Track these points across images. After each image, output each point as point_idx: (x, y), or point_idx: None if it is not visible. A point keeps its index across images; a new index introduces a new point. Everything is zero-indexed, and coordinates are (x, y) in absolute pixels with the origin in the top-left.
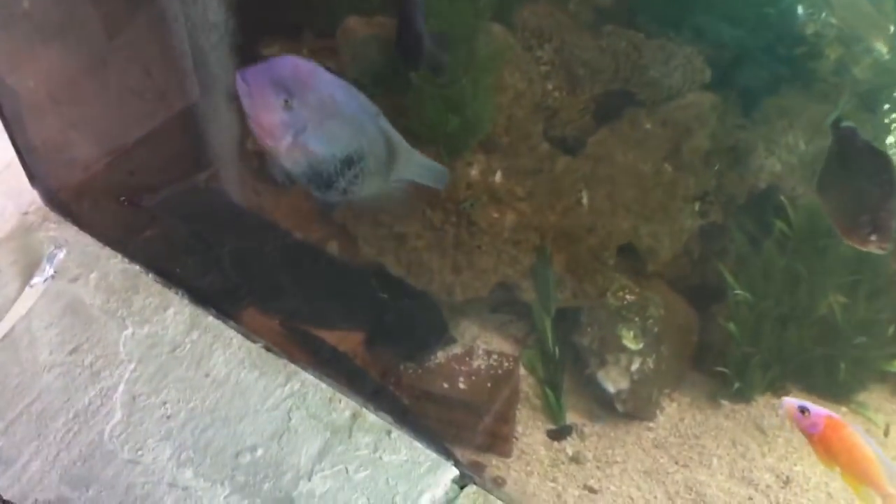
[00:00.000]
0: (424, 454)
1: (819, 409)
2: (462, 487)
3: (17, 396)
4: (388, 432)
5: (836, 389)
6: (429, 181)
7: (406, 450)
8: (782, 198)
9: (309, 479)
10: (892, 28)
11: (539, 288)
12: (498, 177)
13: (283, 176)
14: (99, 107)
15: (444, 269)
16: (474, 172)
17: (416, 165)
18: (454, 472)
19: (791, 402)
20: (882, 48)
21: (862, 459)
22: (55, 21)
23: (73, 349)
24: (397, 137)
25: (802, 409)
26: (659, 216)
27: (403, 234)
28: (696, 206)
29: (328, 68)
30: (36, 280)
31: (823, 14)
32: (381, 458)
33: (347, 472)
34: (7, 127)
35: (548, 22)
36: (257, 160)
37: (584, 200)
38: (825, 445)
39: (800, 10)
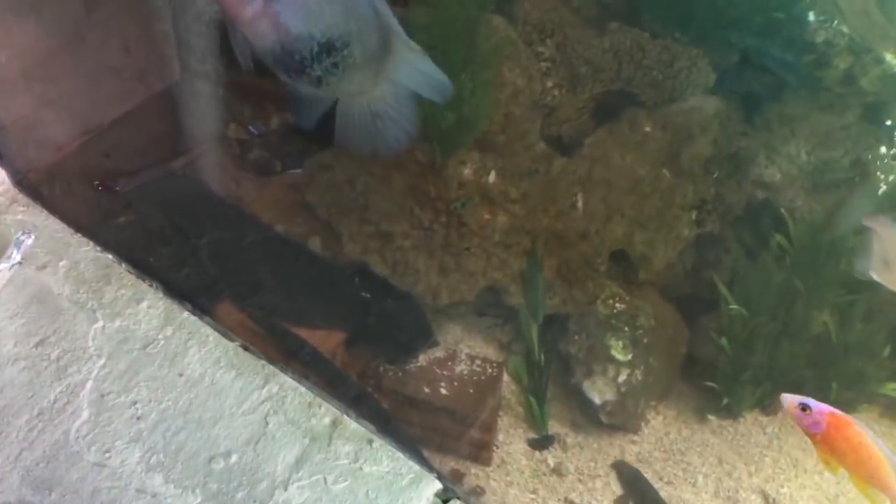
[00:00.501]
0: (407, 465)
1: (822, 406)
2: (445, 502)
3: None
4: (370, 441)
5: None
6: (427, 92)
7: (388, 460)
8: (783, 210)
9: (285, 489)
10: None
11: (528, 293)
12: (492, 177)
13: (245, 53)
14: (74, 84)
15: (431, 271)
16: (467, 171)
17: (414, 69)
18: (437, 485)
19: (791, 398)
20: (892, 60)
21: (869, 460)
22: None
23: (38, 342)
24: (398, 29)
25: (803, 407)
26: (654, 223)
27: (390, 233)
28: (693, 215)
29: None
30: (1, 266)
31: (835, 22)
32: (361, 468)
33: (326, 482)
34: None
35: (551, 16)
36: (238, 147)
37: (579, 204)
38: (829, 445)
39: (811, 16)
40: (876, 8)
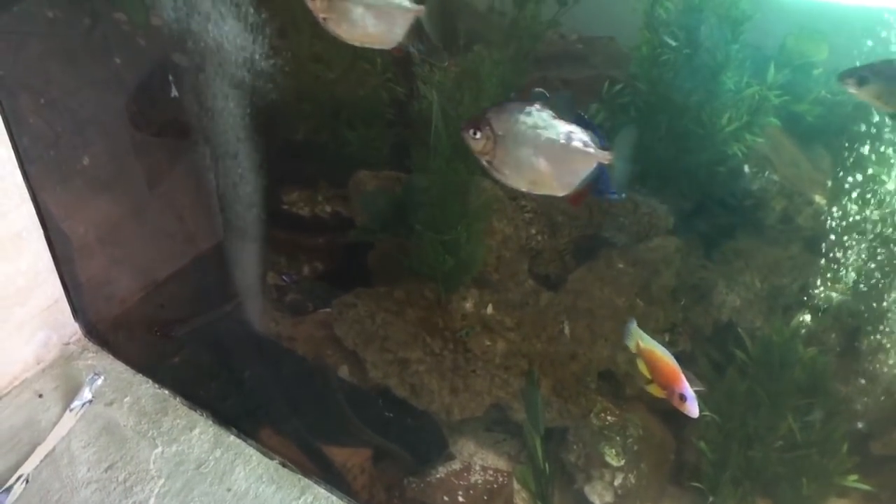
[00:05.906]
0: None
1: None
2: None
3: None
4: None
5: (801, 503)
6: None
7: None
8: (740, 330)
9: None
10: (829, 183)
11: (528, 408)
12: (489, 309)
13: None
14: (137, 247)
15: (444, 391)
16: (468, 305)
17: None
18: None
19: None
20: (821, 200)
21: (666, 368)
22: (107, 174)
23: (108, 467)
24: None
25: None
26: None
27: (407, 359)
28: (667, 337)
29: None
30: (76, 404)
31: (767, 172)
32: None
33: None
34: (58, 267)
35: None
36: (276, 292)
37: (567, 330)
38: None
39: (746, 168)
40: (803, 157)
